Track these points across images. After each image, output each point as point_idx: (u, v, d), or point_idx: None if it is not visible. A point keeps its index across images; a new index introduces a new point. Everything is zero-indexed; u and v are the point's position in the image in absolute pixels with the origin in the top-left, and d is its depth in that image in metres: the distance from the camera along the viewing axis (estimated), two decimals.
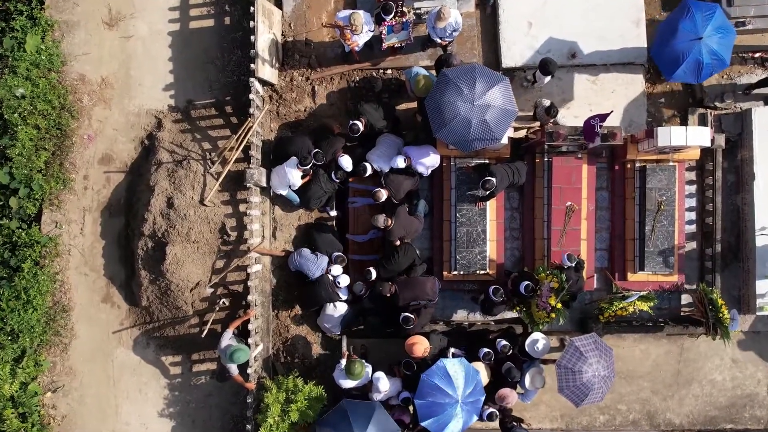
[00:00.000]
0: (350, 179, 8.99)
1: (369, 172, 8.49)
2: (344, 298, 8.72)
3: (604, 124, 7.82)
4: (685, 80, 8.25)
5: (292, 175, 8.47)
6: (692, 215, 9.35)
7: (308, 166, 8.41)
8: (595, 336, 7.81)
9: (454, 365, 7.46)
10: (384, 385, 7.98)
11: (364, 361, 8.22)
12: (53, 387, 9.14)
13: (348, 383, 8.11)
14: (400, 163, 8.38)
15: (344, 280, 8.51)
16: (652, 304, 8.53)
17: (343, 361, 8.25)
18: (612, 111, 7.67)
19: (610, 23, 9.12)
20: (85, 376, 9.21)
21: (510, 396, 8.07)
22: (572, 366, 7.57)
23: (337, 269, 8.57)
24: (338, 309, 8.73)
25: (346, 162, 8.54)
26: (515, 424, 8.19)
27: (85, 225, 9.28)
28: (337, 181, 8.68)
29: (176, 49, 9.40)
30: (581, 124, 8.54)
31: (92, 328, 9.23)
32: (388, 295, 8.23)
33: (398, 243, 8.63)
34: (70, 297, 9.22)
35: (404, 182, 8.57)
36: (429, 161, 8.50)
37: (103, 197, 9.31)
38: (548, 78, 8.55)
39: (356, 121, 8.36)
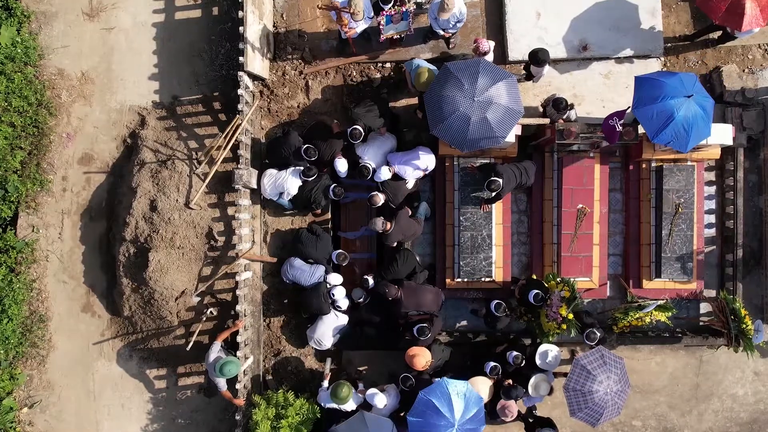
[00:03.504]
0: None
1: (371, 173, 7.90)
2: (343, 308, 8.13)
3: (622, 121, 7.22)
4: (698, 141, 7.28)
5: (290, 184, 7.92)
6: (711, 218, 8.81)
7: (311, 178, 7.92)
8: (602, 350, 7.23)
9: (456, 386, 6.87)
10: (380, 400, 7.40)
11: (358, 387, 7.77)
12: (30, 402, 8.61)
13: (331, 404, 7.56)
14: (385, 174, 7.80)
15: (339, 293, 7.91)
16: (670, 314, 7.96)
17: (325, 383, 7.76)
18: (629, 107, 7.08)
19: (624, 13, 8.58)
20: (63, 390, 8.69)
21: (512, 406, 7.57)
22: (581, 387, 7.01)
23: (335, 278, 7.99)
24: (339, 320, 8.14)
25: (341, 165, 7.98)
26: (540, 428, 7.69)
27: (64, 229, 8.74)
28: (334, 197, 8.07)
29: (161, 41, 8.84)
30: (594, 121, 8.01)
31: (71, 339, 8.70)
32: (391, 298, 7.65)
33: (395, 247, 8.09)
34: (47, 306, 8.69)
35: (403, 186, 8.01)
36: (417, 164, 7.88)
37: (82, 200, 8.76)
38: (546, 68, 7.97)
39: (356, 126, 7.78)
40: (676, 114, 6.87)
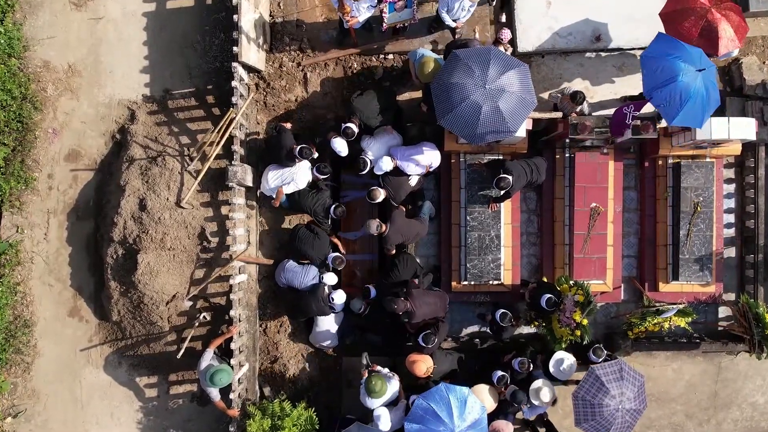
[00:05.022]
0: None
1: (369, 167, 7.48)
2: (338, 310, 7.73)
3: (638, 114, 6.76)
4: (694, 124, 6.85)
5: (300, 176, 7.49)
6: (730, 218, 8.38)
7: (327, 176, 7.59)
8: (621, 363, 6.78)
9: (455, 392, 6.43)
10: (385, 423, 6.95)
11: (391, 374, 7.30)
12: (14, 411, 8.19)
13: (373, 403, 7.08)
14: (386, 164, 7.35)
15: (339, 297, 7.49)
16: (690, 319, 7.54)
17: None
18: (650, 98, 6.65)
19: (639, 2, 8.12)
20: (49, 398, 8.26)
21: (505, 430, 7.13)
22: (591, 398, 6.58)
23: (331, 278, 7.57)
24: (334, 322, 7.74)
25: (340, 145, 7.44)
26: None
27: (50, 229, 8.31)
28: (335, 217, 7.68)
29: (152, 32, 8.41)
30: (608, 116, 7.58)
31: (58, 345, 8.28)
32: (402, 313, 7.11)
33: (393, 252, 7.66)
34: (32, 310, 8.26)
35: (405, 182, 7.58)
36: (420, 159, 7.46)
37: (69, 198, 8.34)
38: None
39: (349, 124, 7.36)
40: (680, 78, 6.46)
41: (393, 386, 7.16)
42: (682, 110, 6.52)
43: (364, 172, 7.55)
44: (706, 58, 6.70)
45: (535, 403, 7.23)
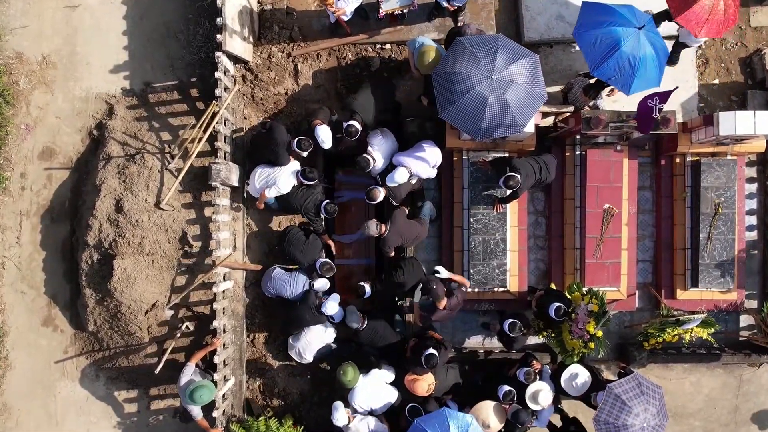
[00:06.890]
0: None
1: (372, 165, 6.90)
2: (336, 320, 7.17)
3: (662, 105, 6.16)
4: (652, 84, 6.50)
5: (283, 182, 6.94)
6: (752, 219, 7.84)
7: (313, 182, 7.02)
8: (638, 377, 6.26)
9: (458, 420, 5.80)
10: (342, 417, 6.55)
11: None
12: None
13: (355, 396, 6.66)
14: (401, 176, 6.75)
15: (332, 307, 6.89)
16: (713, 330, 6.98)
17: None
18: (677, 87, 6.08)
19: None
20: (22, 414, 7.73)
21: None
22: (614, 420, 6.06)
23: (322, 284, 7.01)
24: (327, 332, 7.17)
25: (324, 134, 6.84)
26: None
27: (23, 232, 7.77)
28: (326, 215, 7.13)
29: (132, 21, 7.87)
30: (622, 109, 7.03)
31: (31, 356, 7.74)
32: (437, 304, 6.61)
33: (393, 254, 7.14)
34: (4, 319, 7.70)
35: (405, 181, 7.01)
36: (428, 160, 6.90)
37: (43, 199, 7.79)
38: None
39: (351, 122, 6.82)
40: (622, 45, 6.16)
41: (375, 377, 6.80)
42: (636, 77, 6.27)
43: (367, 171, 7.00)
44: (640, 12, 6.42)
45: (534, 408, 6.68)
